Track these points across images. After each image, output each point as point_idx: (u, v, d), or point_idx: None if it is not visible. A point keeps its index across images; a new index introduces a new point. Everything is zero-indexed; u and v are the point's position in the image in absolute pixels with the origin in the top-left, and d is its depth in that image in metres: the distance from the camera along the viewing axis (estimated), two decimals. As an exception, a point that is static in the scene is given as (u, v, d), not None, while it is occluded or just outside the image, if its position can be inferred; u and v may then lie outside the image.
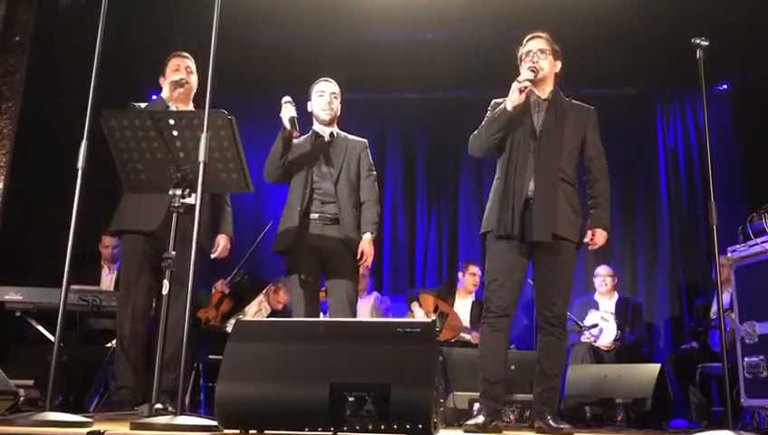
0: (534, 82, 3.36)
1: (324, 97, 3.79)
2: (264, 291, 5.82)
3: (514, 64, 3.50)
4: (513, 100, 3.28)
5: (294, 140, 3.74)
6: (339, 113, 3.86)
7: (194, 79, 3.79)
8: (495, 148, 3.43)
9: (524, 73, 3.31)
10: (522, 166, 3.31)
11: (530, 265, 3.40)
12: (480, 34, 6.08)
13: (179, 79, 3.66)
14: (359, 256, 3.67)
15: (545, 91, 3.45)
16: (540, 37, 3.46)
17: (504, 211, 3.28)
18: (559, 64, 3.48)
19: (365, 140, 3.91)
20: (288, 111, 3.63)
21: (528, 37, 3.49)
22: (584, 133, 3.44)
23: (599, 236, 3.38)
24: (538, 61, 3.38)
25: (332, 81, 3.85)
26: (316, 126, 3.83)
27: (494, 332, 3.31)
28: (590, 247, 3.41)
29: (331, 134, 3.81)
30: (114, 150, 2.81)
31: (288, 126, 3.60)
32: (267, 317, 5.67)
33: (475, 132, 3.47)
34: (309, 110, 3.84)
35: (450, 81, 6.77)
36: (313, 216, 3.66)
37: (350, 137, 3.88)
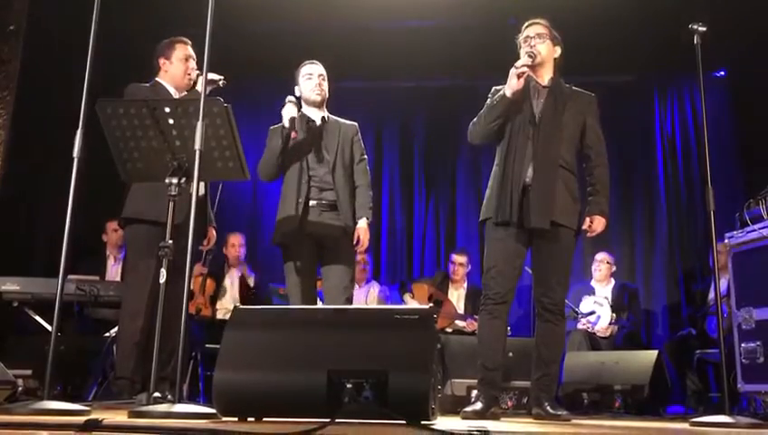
0: (534, 68, 3.35)
1: (313, 79, 3.76)
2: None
3: (512, 52, 3.48)
4: (511, 86, 3.27)
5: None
6: (327, 96, 3.84)
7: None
8: (495, 135, 3.42)
9: (522, 59, 3.29)
10: (520, 152, 3.30)
11: (529, 252, 3.40)
12: (477, 22, 6.06)
13: (219, 80, 3.53)
14: (355, 242, 3.67)
15: (545, 77, 3.43)
16: (538, 23, 3.45)
17: (503, 198, 3.28)
18: (558, 50, 3.46)
19: (356, 124, 3.90)
20: (289, 109, 3.63)
21: (527, 24, 3.48)
22: (584, 120, 3.43)
23: (597, 223, 3.38)
24: (535, 45, 3.36)
25: (318, 63, 3.83)
26: (306, 110, 3.80)
27: (492, 319, 3.31)
28: (588, 234, 3.41)
29: (323, 118, 3.79)
30: (110, 139, 2.80)
31: (287, 124, 3.60)
32: (239, 286, 5.68)
33: (475, 119, 3.46)
34: (297, 94, 3.81)
35: (447, 69, 6.74)
36: (311, 203, 3.64)
37: (341, 121, 3.86)
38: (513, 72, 3.26)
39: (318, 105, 3.79)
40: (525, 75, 3.27)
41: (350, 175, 3.76)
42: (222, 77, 3.55)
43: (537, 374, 3.35)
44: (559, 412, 3.23)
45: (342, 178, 3.70)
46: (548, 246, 3.32)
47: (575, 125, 3.40)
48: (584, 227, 3.37)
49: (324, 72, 3.81)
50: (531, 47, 3.36)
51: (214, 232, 3.91)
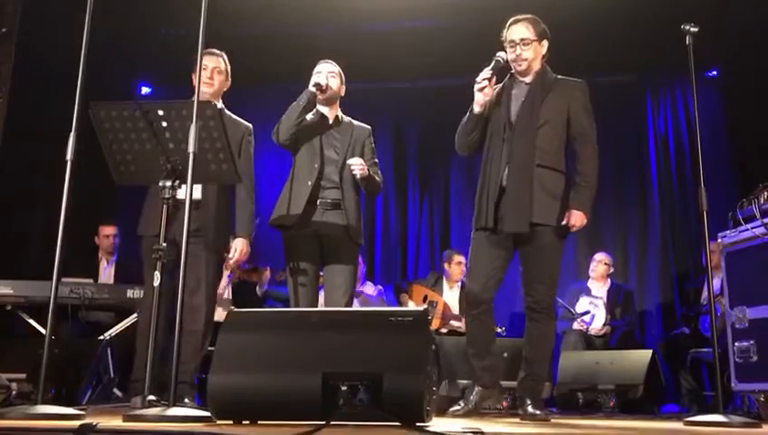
0: (520, 72, 3.36)
1: (319, 77, 3.73)
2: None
3: (503, 49, 3.46)
4: (477, 101, 3.32)
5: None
6: (341, 94, 3.81)
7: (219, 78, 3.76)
8: (477, 145, 3.44)
9: (483, 72, 3.30)
10: (496, 157, 3.31)
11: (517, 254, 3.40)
12: (470, 22, 6.06)
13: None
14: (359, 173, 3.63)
15: (529, 76, 3.39)
16: (521, 21, 3.38)
17: (482, 204, 3.31)
18: (545, 44, 3.40)
19: (369, 127, 3.89)
20: (320, 76, 3.68)
21: (510, 21, 3.42)
22: (568, 108, 3.34)
23: (574, 218, 3.25)
24: (520, 54, 3.33)
25: (331, 62, 3.81)
26: (319, 107, 3.77)
27: (473, 320, 3.39)
28: (571, 229, 3.30)
29: (336, 117, 3.79)
30: (103, 142, 2.79)
31: (312, 88, 3.61)
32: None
33: (459, 129, 3.47)
34: None
35: (441, 69, 6.74)
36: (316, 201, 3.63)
37: (356, 123, 3.86)
38: (475, 87, 3.29)
39: (324, 103, 3.76)
40: (488, 87, 3.28)
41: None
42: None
43: (522, 374, 3.36)
44: (536, 412, 3.22)
45: (350, 179, 3.68)
46: (528, 246, 3.29)
47: (557, 115, 3.32)
48: (563, 222, 3.27)
49: (335, 70, 3.78)
50: (516, 56, 3.34)
51: (244, 244, 3.64)
